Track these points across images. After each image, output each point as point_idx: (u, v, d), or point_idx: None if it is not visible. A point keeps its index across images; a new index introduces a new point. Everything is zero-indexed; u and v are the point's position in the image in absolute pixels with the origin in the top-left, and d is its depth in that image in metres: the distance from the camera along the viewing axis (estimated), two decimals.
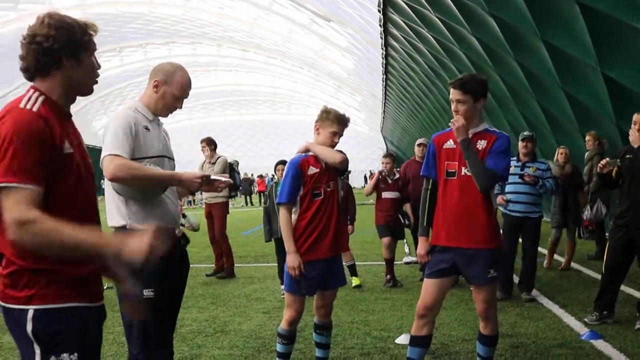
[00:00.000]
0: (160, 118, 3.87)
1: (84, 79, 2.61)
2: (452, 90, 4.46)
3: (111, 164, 3.42)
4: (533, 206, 7.98)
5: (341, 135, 4.82)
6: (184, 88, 3.79)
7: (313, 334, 5.15)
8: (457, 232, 4.43)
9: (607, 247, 6.69)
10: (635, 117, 6.36)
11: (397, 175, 9.55)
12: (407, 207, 9.46)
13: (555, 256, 10.57)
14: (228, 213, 10.57)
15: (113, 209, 3.68)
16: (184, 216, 8.55)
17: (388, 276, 9.16)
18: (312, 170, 4.72)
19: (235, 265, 10.52)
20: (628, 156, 6.42)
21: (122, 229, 3.64)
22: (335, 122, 4.76)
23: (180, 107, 3.88)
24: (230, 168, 10.16)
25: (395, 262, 9.48)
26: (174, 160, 3.93)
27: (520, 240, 8.18)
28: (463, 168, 4.43)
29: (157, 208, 3.67)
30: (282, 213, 4.73)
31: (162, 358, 3.76)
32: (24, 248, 2.35)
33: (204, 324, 7.04)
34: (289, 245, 4.70)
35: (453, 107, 4.48)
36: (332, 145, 4.78)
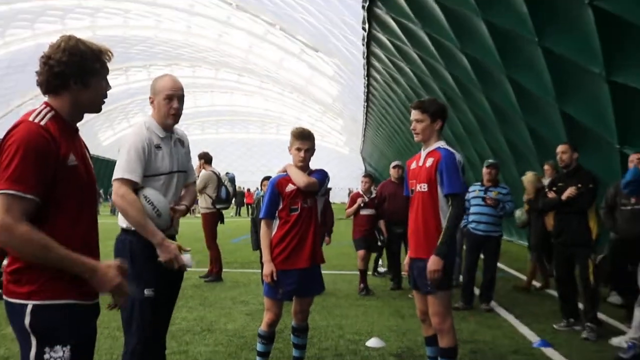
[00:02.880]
0: (177, 132, 3.85)
1: (91, 100, 2.61)
2: (412, 111, 4.49)
3: (118, 191, 3.52)
4: (494, 226, 8.11)
5: (308, 149, 4.72)
6: (170, 87, 3.72)
7: (291, 335, 5.16)
8: (412, 243, 4.53)
9: (554, 263, 6.97)
10: (558, 148, 6.80)
11: (374, 194, 9.63)
12: (382, 224, 9.55)
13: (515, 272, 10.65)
14: (222, 222, 10.52)
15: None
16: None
17: (362, 285, 9.18)
18: (290, 187, 4.75)
19: (223, 270, 10.49)
20: (560, 184, 6.77)
21: (126, 230, 3.66)
22: (294, 138, 4.76)
23: (180, 108, 3.77)
24: (219, 181, 10.07)
25: (368, 273, 9.50)
26: (186, 172, 3.90)
27: (482, 256, 8.27)
28: (418, 185, 4.47)
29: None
30: (262, 226, 4.84)
31: (155, 352, 3.75)
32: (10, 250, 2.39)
33: (192, 322, 7.01)
34: (265, 254, 4.76)
35: (412, 126, 4.49)
36: (300, 160, 4.72)
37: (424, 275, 4.39)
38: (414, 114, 4.47)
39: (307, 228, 4.75)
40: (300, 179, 4.72)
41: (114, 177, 3.53)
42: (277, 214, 4.79)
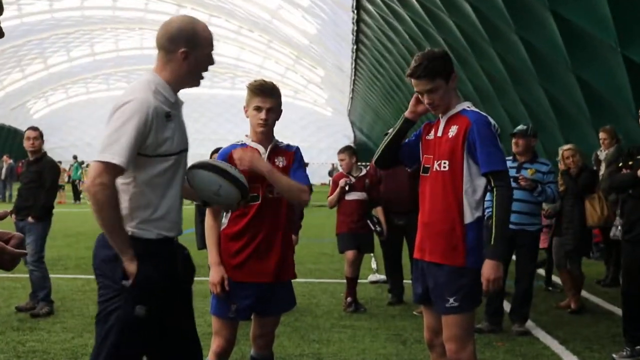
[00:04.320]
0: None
1: None
2: (414, 82, 4.47)
3: (98, 177, 3.47)
4: (530, 217, 8.07)
5: (271, 108, 4.68)
6: (212, 39, 3.84)
7: None
8: (426, 242, 4.51)
9: (622, 268, 6.93)
10: None
11: (364, 172, 9.52)
12: (379, 212, 9.42)
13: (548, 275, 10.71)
14: None
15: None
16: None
17: (349, 299, 9.14)
18: None
19: None
20: (639, 157, 6.65)
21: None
22: (252, 94, 4.72)
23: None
24: None
25: (358, 281, 9.49)
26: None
27: (514, 258, 8.28)
28: (435, 162, 4.46)
29: (164, 215, 3.72)
30: (207, 216, 4.82)
31: None
32: None
33: None
34: (211, 255, 4.76)
35: (426, 100, 4.48)
36: (261, 123, 4.68)
37: (442, 287, 4.39)
38: (422, 85, 4.45)
39: (272, 227, 4.72)
40: (291, 193, 4.67)
41: (98, 157, 3.52)
42: None
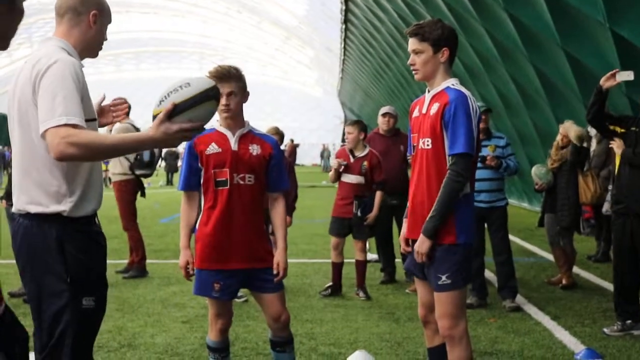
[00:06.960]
0: None
1: (11, 28, 2.66)
2: (409, 40, 4.52)
3: (57, 136, 3.20)
4: (498, 193, 8.26)
5: (232, 93, 4.68)
6: (110, 12, 3.78)
7: (271, 352, 5.09)
8: (414, 220, 4.55)
9: (612, 242, 6.97)
10: None
11: (366, 151, 8.80)
12: (378, 197, 8.81)
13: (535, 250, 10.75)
14: (143, 195, 10.41)
15: (33, 186, 3.45)
16: None
17: (331, 283, 8.91)
18: (213, 149, 4.71)
19: (148, 260, 10.41)
20: (633, 128, 6.73)
21: (44, 217, 3.41)
22: None
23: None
24: None
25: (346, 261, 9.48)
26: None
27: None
28: (420, 140, 4.49)
29: (97, 185, 3.60)
30: (182, 201, 4.88)
31: None
32: None
33: (106, 336, 6.96)
34: (182, 239, 4.82)
35: (409, 60, 4.54)
36: (224, 108, 4.67)
37: (434, 265, 4.41)
38: (411, 43, 4.50)
39: (243, 215, 4.73)
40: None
41: (44, 127, 3.24)
42: (199, 187, 4.83)
